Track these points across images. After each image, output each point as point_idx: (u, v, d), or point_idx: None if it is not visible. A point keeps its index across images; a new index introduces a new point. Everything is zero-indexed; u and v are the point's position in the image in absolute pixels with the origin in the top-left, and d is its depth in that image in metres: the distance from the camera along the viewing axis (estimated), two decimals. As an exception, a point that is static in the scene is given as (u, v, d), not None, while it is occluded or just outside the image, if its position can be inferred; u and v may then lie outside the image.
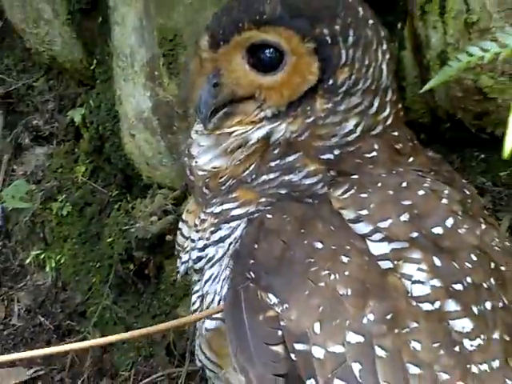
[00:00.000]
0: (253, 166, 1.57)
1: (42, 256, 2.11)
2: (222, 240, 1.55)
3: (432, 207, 1.48)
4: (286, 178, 1.53)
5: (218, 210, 1.56)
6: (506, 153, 0.85)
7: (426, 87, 1.47)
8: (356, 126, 1.56)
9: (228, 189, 1.58)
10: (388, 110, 1.60)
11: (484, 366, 1.40)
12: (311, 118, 1.53)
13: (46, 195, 2.14)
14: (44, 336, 2.07)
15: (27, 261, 2.13)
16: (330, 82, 1.54)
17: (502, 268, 1.52)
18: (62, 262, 2.10)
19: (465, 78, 1.72)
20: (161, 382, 1.94)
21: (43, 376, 1.99)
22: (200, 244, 1.58)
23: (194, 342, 1.85)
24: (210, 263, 1.56)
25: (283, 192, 1.53)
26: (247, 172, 1.56)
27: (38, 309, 2.10)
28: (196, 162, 1.61)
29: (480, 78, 1.73)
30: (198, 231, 1.61)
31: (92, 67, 2.04)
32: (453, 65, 1.39)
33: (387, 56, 1.60)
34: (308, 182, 1.53)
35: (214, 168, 1.59)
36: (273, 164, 1.54)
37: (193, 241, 1.61)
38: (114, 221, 2.00)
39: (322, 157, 1.54)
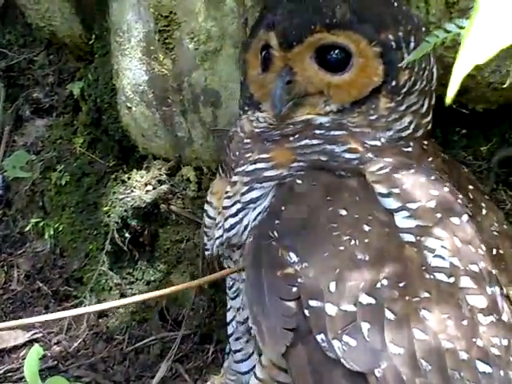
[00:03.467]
0: (299, 126, 1.59)
1: (41, 224, 2.10)
2: (253, 201, 1.57)
3: (452, 202, 1.49)
4: (329, 147, 1.55)
5: (251, 168, 1.57)
6: (448, 99, 0.86)
7: (405, 61, 1.53)
8: (410, 123, 1.61)
9: (269, 141, 1.60)
10: (430, 116, 1.66)
11: (496, 342, 1.40)
12: (375, 116, 1.58)
13: (45, 165, 2.12)
14: (42, 301, 2.06)
15: (27, 228, 2.12)
16: (393, 83, 1.58)
17: (501, 252, 1.55)
18: (60, 229, 2.08)
19: (446, 55, 1.72)
20: (153, 346, 1.93)
21: (41, 338, 1.98)
22: (233, 209, 1.59)
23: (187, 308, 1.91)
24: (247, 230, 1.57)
25: (324, 159, 1.55)
26: (292, 128, 1.59)
27: (36, 274, 2.09)
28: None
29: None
30: (229, 197, 1.61)
31: (90, 42, 2.02)
32: (430, 40, 1.40)
33: (434, 60, 1.64)
34: (347, 156, 1.54)
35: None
36: (317, 132, 1.57)
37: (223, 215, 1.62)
38: (111, 190, 1.99)
39: (368, 142, 1.56)
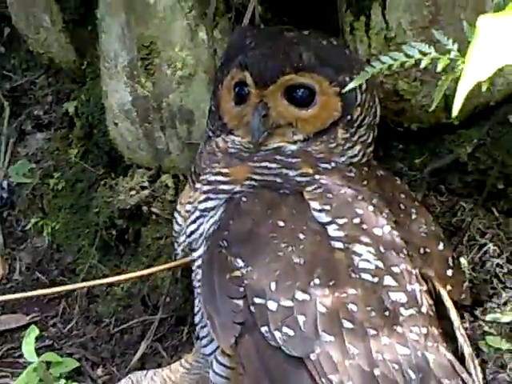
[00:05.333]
0: (270, 152, 1.67)
1: (40, 223, 2.17)
2: (207, 210, 1.64)
3: (375, 218, 1.58)
4: (285, 171, 1.63)
5: (212, 178, 1.66)
6: (454, 111, 0.90)
7: (347, 88, 1.53)
8: (359, 151, 1.70)
9: (236, 158, 1.67)
10: (373, 147, 1.75)
11: (415, 330, 1.48)
12: (333, 144, 1.67)
13: (44, 173, 2.19)
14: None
15: (28, 227, 2.19)
16: (349, 117, 1.68)
17: (428, 250, 1.64)
18: (56, 228, 2.16)
19: (385, 82, 1.82)
20: (136, 328, 2.00)
21: (39, 321, 2.03)
22: (192, 217, 1.66)
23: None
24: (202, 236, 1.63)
25: (279, 181, 1.62)
26: (263, 153, 1.67)
27: (36, 266, 2.16)
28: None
29: (397, 83, 1.83)
30: (190, 203, 1.68)
31: (83, 67, 2.09)
32: (368, 70, 1.46)
33: (378, 100, 1.73)
34: (299, 179, 1.62)
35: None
36: (278, 158, 1.66)
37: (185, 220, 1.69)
38: (100, 194, 2.06)
39: (321, 165, 1.65)
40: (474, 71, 0.94)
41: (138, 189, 2.02)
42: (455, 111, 0.92)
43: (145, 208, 2.02)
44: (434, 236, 1.70)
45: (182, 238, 1.70)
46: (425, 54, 1.44)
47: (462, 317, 1.67)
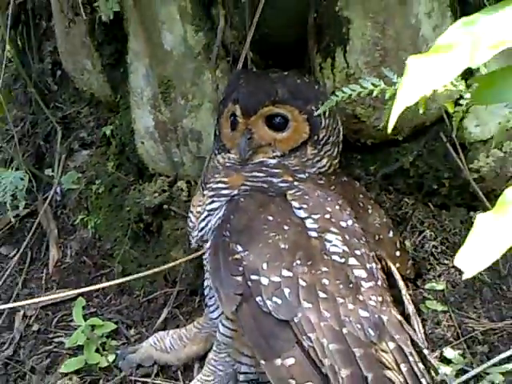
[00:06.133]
0: (255, 165, 1.65)
1: (85, 219, 2.15)
2: (213, 210, 1.63)
3: (341, 214, 1.57)
4: (270, 178, 1.63)
5: (215, 186, 1.65)
6: (389, 127, 0.89)
7: (316, 114, 1.61)
8: (326, 163, 1.68)
9: (232, 169, 1.66)
10: (338, 158, 1.73)
11: (373, 298, 1.48)
12: (304, 159, 1.66)
13: (88, 181, 2.17)
14: (86, 269, 2.10)
15: (76, 222, 2.17)
16: (316, 137, 1.66)
17: (381, 237, 1.65)
18: (98, 222, 2.14)
19: (347, 108, 1.81)
20: (159, 298, 1.99)
21: (85, 294, 2.01)
22: (202, 216, 1.65)
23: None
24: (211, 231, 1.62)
25: (265, 186, 1.61)
26: (250, 166, 1.66)
27: (82, 252, 2.14)
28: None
29: (356, 109, 1.83)
30: (200, 206, 1.68)
31: (117, 100, 2.07)
32: (333, 99, 1.50)
33: (341, 123, 1.71)
34: (281, 184, 1.62)
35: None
36: (264, 169, 1.64)
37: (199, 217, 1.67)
38: (131, 196, 2.05)
39: (297, 175, 1.64)
40: (403, 98, 0.94)
41: (159, 192, 2.01)
42: (389, 129, 0.89)
43: (165, 206, 2.01)
44: (385, 226, 1.71)
45: (195, 233, 1.69)
46: (376, 86, 1.45)
47: (407, 286, 1.66)
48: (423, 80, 0.95)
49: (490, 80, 1.10)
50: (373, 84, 1.47)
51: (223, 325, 1.60)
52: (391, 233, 1.71)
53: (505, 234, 0.88)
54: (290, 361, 1.39)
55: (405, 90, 0.94)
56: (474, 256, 0.87)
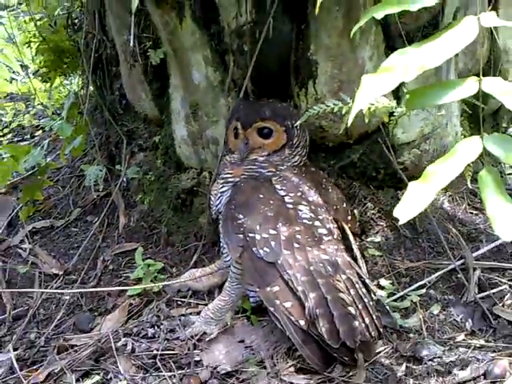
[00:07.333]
0: (250, 161, 1.64)
1: (143, 198, 2.13)
2: (223, 192, 1.62)
3: (309, 192, 1.56)
4: (260, 170, 1.61)
5: (225, 176, 1.64)
6: (349, 123, 0.98)
7: (297, 123, 1.59)
8: (298, 159, 1.66)
9: (234, 164, 1.64)
10: (306, 155, 1.70)
11: (331, 247, 1.47)
12: (283, 157, 1.64)
13: (143, 172, 2.13)
14: (143, 230, 2.06)
15: (136, 199, 2.14)
16: (291, 143, 1.64)
17: (338, 207, 1.63)
18: (151, 200, 2.10)
19: (315, 122, 1.77)
20: (191, 248, 1.97)
21: (143, 246, 2.00)
22: (217, 196, 1.64)
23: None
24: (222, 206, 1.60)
25: (256, 174, 1.59)
26: (246, 162, 1.64)
27: (141, 219, 2.10)
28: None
29: (321, 122, 1.79)
30: (215, 190, 1.67)
31: (162, 118, 2.03)
32: (307, 114, 1.51)
33: (307, 133, 1.70)
34: (267, 174, 1.60)
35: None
36: (256, 163, 1.62)
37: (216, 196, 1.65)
38: (172, 182, 2.03)
39: (279, 167, 1.62)
40: (361, 100, 0.97)
41: (191, 179, 2.00)
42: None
43: (195, 188, 1.99)
44: (340, 200, 1.69)
45: (214, 208, 1.68)
46: (335, 105, 1.46)
47: (355, 239, 1.65)
48: (374, 88, 0.97)
49: (415, 93, 1.14)
50: (334, 104, 1.48)
51: (234, 266, 1.59)
52: (345, 204, 1.70)
53: (426, 195, 0.94)
54: (276, 288, 1.39)
55: (361, 94, 0.97)
56: (406, 209, 0.93)
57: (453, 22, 1.12)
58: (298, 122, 1.57)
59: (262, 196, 1.53)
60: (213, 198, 1.68)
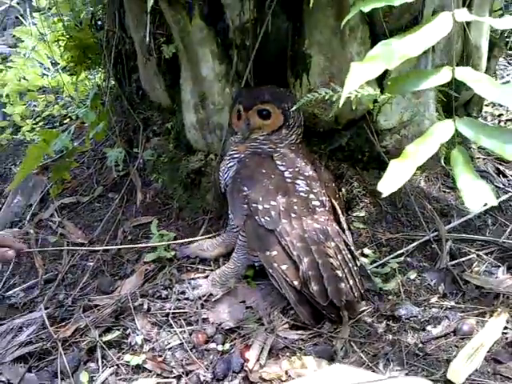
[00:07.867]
0: (252, 139, 1.59)
1: (157, 177, 2.06)
2: (230, 167, 1.58)
3: (305, 168, 1.53)
4: (262, 146, 1.57)
5: (231, 152, 1.60)
6: (340, 104, 0.96)
7: (294, 107, 1.52)
8: (294, 138, 1.60)
9: (239, 142, 1.60)
10: (301, 135, 1.63)
11: (323, 217, 1.44)
12: (281, 136, 1.58)
13: (158, 155, 2.06)
14: (157, 205, 1.99)
15: (152, 179, 2.07)
16: (287, 123, 1.59)
17: (328, 185, 1.58)
18: (164, 179, 2.04)
19: (308, 109, 1.71)
20: (200, 221, 1.90)
21: (158, 219, 1.93)
22: (225, 170, 1.60)
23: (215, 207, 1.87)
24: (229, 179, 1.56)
25: (259, 150, 1.55)
26: (249, 140, 1.60)
27: (156, 196, 2.03)
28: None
29: (314, 109, 1.73)
30: (224, 165, 1.63)
31: (174, 106, 1.98)
32: (301, 101, 1.45)
33: (302, 114, 1.61)
34: (268, 150, 1.56)
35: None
36: (258, 141, 1.58)
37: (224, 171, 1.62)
38: (183, 163, 1.97)
39: (279, 145, 1.57)
40: (350, 84, 0.99)
41: (199, 160, 1.94)
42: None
43: (202, 169, 1.94)
44: (330, 179, 1.64)
45: (222, 181, 1.64)
46: (327, 93, 1.40)
47: (343, 214, 1.60)
48: (362, 74, 0.95)
49: (396, 80, 1.13)
50: (325, 93, 1.42)
51: (241, 235, 1.56)
52: (333, 184, 1.65)
53: (405, 171, 0.93)
54: (274, 252, 1.38)
55: (351, 79, 0.95)
56: (388, 184, 0.92)
57: (431, 17, 1.07)
58: (294, 108, 1.51)
59: (264, 171, 1.50)
60: (221, 174, 1.63)
